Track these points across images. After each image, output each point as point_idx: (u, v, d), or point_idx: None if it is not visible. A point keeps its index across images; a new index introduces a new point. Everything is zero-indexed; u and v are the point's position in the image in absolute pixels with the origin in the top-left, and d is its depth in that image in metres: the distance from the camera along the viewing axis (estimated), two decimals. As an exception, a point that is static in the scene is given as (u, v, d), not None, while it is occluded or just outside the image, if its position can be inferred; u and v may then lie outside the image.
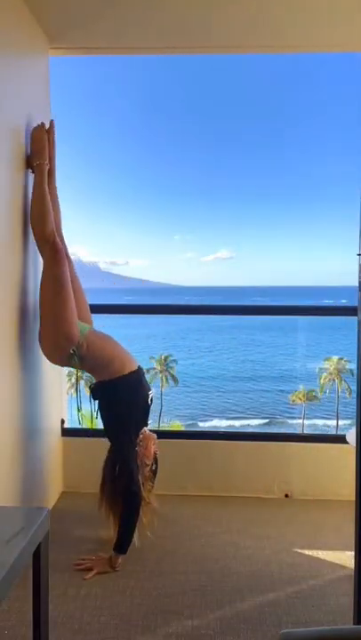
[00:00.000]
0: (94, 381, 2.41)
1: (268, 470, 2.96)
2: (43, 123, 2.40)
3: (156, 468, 2.66)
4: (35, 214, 2.29)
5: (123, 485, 2.24)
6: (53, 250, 2.26)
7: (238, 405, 30.47)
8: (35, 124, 2.38)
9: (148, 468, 2.41)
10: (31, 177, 2.38)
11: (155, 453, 2.44)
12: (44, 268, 2.30)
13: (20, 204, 2.29)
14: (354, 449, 1.70)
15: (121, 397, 2.33)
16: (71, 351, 2.26)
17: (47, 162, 2.37)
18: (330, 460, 2.92)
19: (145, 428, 2.44)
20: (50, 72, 2.72)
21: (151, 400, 2.46)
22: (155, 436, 2.46)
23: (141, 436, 2.39)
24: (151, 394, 2.45)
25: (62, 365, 2.38)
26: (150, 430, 2.48)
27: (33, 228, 2.31)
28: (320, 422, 26.06)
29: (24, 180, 2.33)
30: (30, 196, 2.35)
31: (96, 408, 2.37)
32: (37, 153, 2.35)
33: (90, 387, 2.42)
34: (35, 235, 2.30)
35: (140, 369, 2.44)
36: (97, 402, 2.37)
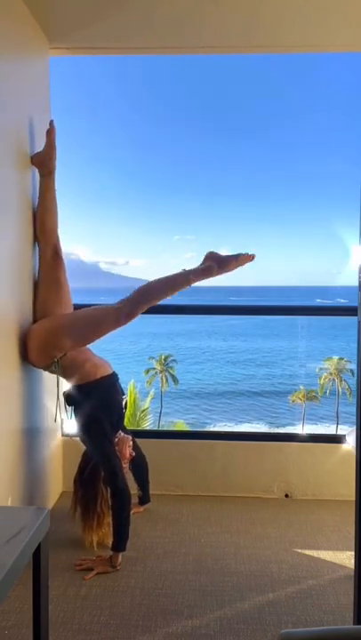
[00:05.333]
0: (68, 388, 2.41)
1: (268, 470, 2.96)
2: (52, 123, 2.40)
3: (147, 470, 2.66)
4: (44, 213, 2.30)
5: (110, 486, 2.25)
6: (54, 251, 2.26)
7: (236, 410, 30.37)
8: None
9: (125, 471, 2.40)
10: (32, 175, 2.38)
11: (130, 455, 2.44)
12: (45, 270, 2.29)
13: (23, 202, 2.29)
14: (354, 449, 1.70)
15: (95, 401, 2.33)
16: (55, 359, 2.26)
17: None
18: (330, 460, 2.92)
19: (120, 432, 2.44)
20: (50, 72, 2.72)
21: (125, 405, 2.48)
22: (130, 437, 2.46)
23: (116, 439, 2.39)
24: (125, 399, 2.47)
25: (42, 369, 2.38)
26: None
27: (37, 227, 2.31)
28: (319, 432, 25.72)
29: (25, 179, 2.33)
30: (37, 196, 2.36)
31: (72, 413, 2.38)
32: (52, 159, 2.37)
33: (64, 393, 2.42)
34: (39, 233, 2.31)
35: (114, 374, 2.45)
36: (72, 407, 2.38)
